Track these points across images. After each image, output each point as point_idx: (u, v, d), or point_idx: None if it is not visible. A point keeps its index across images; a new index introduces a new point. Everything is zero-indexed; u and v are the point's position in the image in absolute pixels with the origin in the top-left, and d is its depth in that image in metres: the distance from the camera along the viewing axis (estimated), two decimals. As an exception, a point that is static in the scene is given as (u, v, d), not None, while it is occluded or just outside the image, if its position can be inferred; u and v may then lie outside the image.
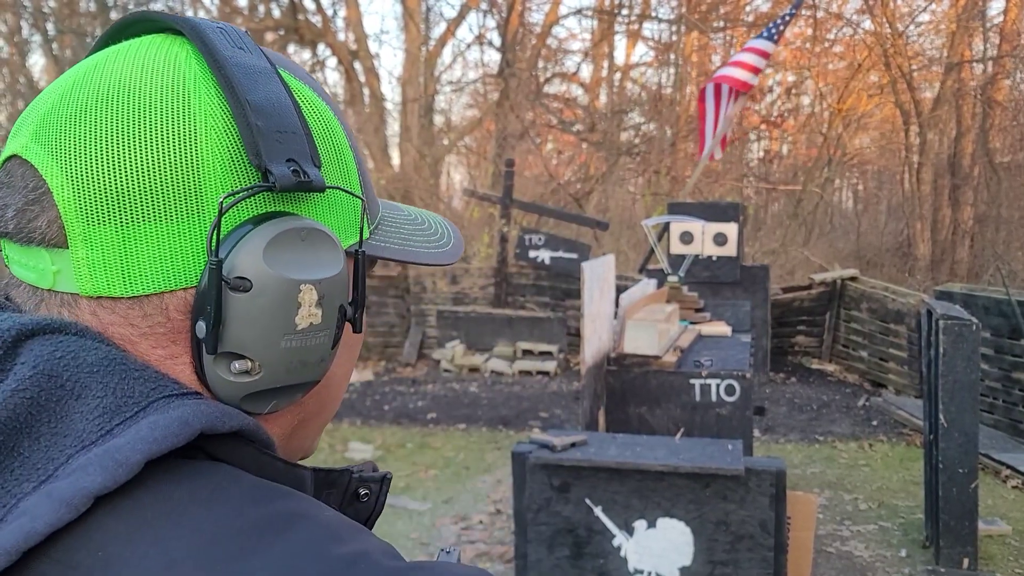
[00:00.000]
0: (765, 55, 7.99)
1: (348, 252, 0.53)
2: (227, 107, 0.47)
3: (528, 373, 8.43)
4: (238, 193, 0.46)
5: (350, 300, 0.52)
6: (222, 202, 0.45)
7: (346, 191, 0.52)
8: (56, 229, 0.46)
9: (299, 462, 0.58)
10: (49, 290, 0.48)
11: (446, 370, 8.65)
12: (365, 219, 0.54)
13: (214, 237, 0.45)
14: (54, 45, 12.99)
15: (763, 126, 16.03)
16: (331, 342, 0.50)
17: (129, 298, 0.46)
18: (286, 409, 0.53)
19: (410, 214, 0.64)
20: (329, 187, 0.50)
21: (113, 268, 0.46)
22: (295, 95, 0.50)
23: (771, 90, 15.95)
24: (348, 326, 0.54)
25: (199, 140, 0.46)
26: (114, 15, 12.64)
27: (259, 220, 0.47)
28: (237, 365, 0.47)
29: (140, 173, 0.45)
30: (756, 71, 8.05)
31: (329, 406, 0.58)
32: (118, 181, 0.45)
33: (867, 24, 14.38)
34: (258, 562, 0.40)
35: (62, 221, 0.46)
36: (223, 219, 0.46)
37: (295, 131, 0.48)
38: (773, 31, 7.93)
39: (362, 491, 0.58)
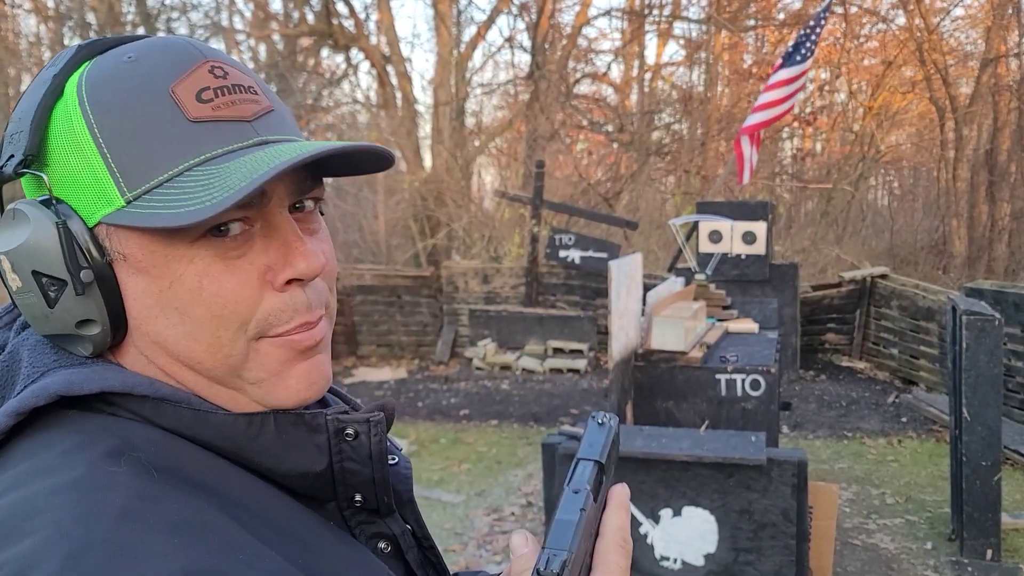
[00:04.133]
0: (800, 75, 7.91)
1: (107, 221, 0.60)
2: None
3: (559, 371, 8.55)
4: None
5: (67, 268, 0.59)
6: None
7: (33, 173, 0.60)
8: None
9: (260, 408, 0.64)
10: None
11: (478, 368, 8.81)
12: (98, 187, 0.58)
13: None
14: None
15: (796, 123, 15.95)
16: (44, 302, 0.60)
17: None
18: (131, 356, 0.63)
19: (244, 162, 0.58)
20: (20, 172, 0.60)
21: None
22: (57, 99, 0.60)
23: (804, 87, 15.87)
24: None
25: None
26: (158, 24, 13.00)
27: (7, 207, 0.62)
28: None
29: None
30: (793, 95, 8.01)
31: (190, 364, 0.62)
32: None
33: (900, 20, 14.28)
34: (23, 491, 0.53)
35: None
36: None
37: (22, 131, 0.60)
38: (805, 52, 7.84)
39: (347, 431, 0.65)
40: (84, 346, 0.61)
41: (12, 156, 0.59)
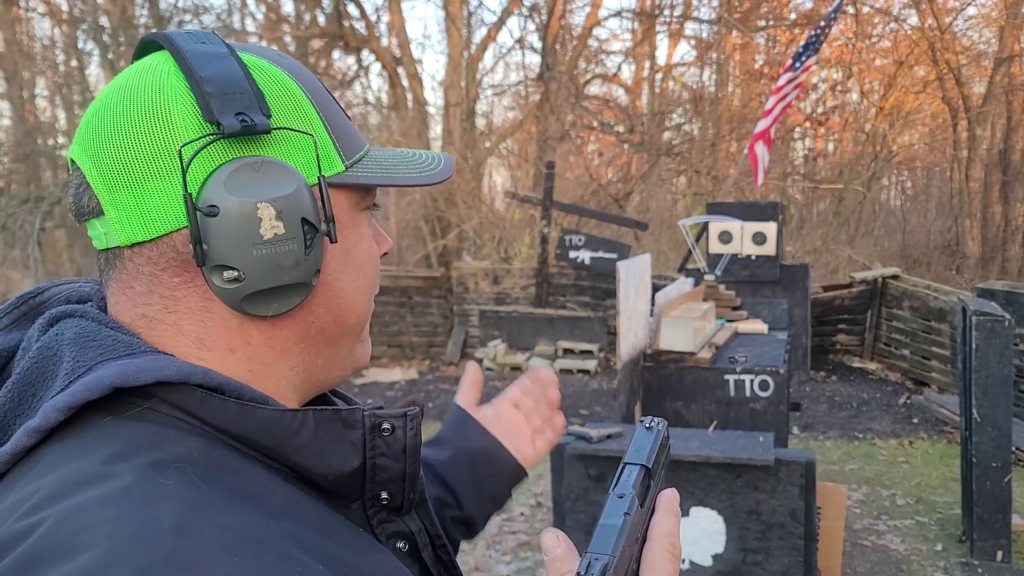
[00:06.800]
0: (804, 71, 7.97)
1: (327, 180, 0.64)
2: (188, 87, 0.61)
3: (569, 372, 8.56)
4: (195, 141, 0.59)
5: (324, 219, 0.63)
6: (180, 149, 0.59)
7: (294, 129, 0.62)
8: (95, 203, 0.61)
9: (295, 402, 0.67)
10: (105, 249, 0.63)
11: (488, 369, 8.82)
12: (325, 150, 0.65)
13: (183, 178, 0.58)
14: (110, 55, 13.49)
15: (807, 124, 15.90)
16: (302, 248, 0.61)
17: (150, 241, 0.60)
18: (294, 318, 0.64)
19: (404, 153, 0.74)
20: (275, 128, 0.61)
21: (134, 221, 0.60)
22: (249, 68, 0.63)
23: (816, 87, 15.82)
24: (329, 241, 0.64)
25: (172, 115, 0.60)
26: (171, 27, 13.07)
27: (225, 162, 0.60)
28: (226, 274, 0.60)
29: (136, 148, 0.60)
30: (795, 88, 8.04)
31: (345, 320, 0.68)
32: (122, 157, 0.60)
33: (913, 19, 14.22)
34: (70, 502, 0.51)
35: (95, 195, 0.61)
36: (201, 165, 0.59)
37: (243, 92, 0.60)
38: (810, 52, 7.87)
39: (384, 425, 0.66)
40: (291, 301, 0.63)
41: (243, 113, 0.60)
